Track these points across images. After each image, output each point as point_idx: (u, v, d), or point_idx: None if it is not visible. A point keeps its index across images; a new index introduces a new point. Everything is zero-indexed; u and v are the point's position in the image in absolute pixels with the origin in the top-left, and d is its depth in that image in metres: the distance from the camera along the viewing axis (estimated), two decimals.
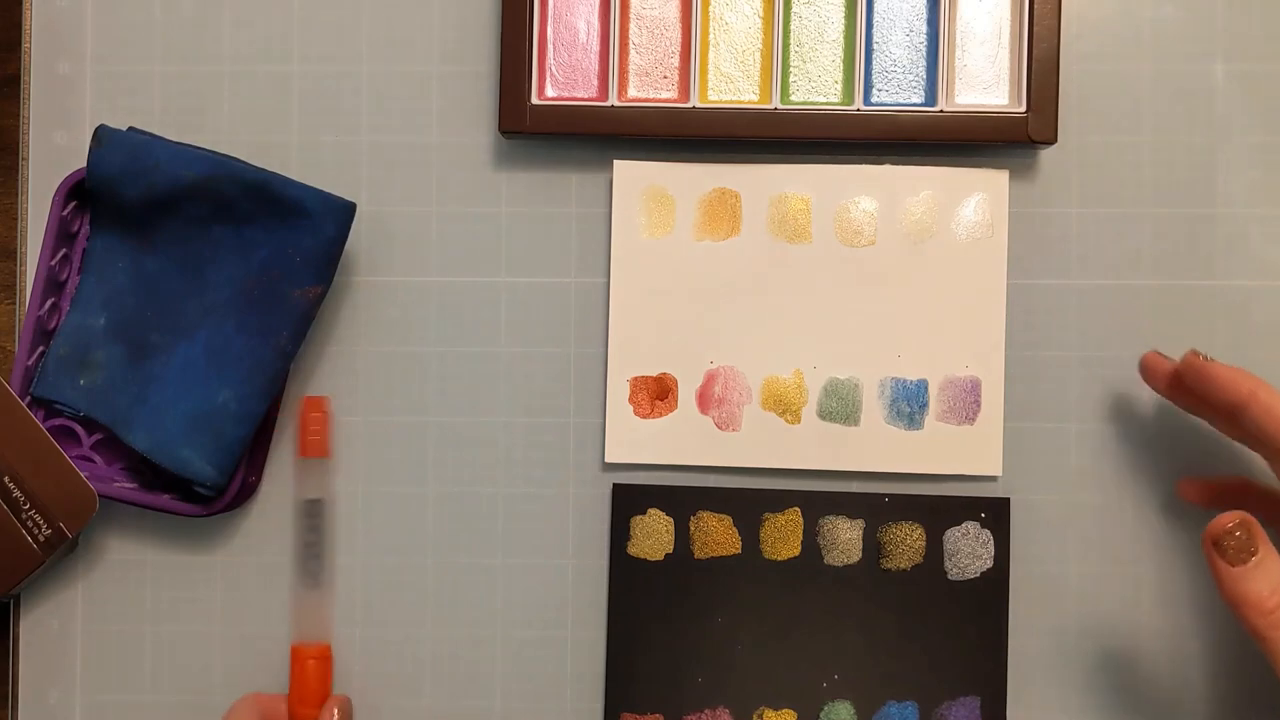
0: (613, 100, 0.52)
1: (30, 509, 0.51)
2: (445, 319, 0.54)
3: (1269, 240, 0.53)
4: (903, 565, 0.53)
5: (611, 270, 0.53)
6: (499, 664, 0.54)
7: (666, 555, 0.53)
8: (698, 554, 0.53)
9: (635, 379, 0.53)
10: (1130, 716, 0.53)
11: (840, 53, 0.52)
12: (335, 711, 0.52)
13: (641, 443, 0.53)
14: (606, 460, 0.53)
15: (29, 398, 0.53)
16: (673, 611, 0.53)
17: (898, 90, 0.52)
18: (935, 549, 0.53)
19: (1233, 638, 0.53)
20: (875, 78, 0.52)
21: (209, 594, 0.54)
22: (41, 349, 0.53)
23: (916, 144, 0.52)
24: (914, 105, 0.52)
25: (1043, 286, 0.53)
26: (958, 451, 0.52)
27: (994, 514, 0.53)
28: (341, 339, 0.54)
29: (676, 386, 0.53)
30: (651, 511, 0.53)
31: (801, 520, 0.53)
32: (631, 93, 0.53)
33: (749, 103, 0.53)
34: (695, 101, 0.52)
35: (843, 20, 0.53)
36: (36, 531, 0.51)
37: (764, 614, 0.53)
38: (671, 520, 0.53)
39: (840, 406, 0.53)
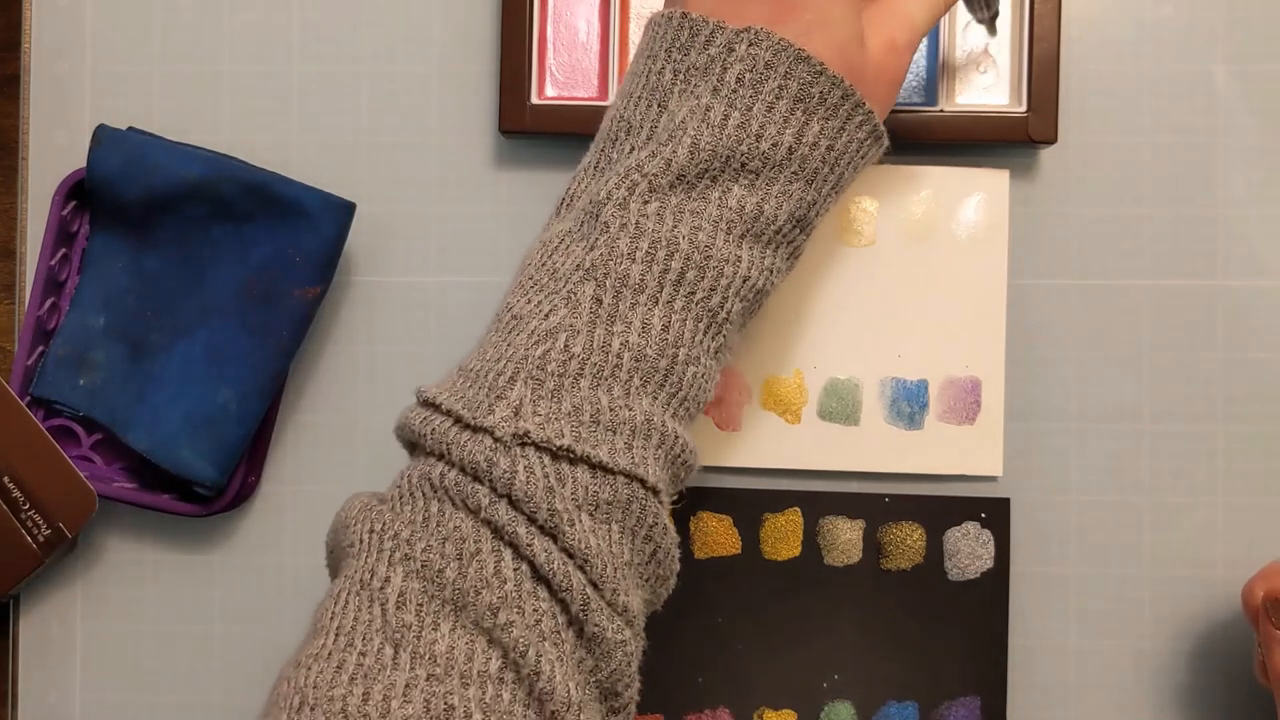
0: (613, 100, 0.52)
1: (30, 509, 0.51)
2: (445, 319, 0.54)
3: (1269, 240, 0.53)
4: (903, 565, 0.53)
5: None
6: None
7: None
8: (698, 554, 0.53)
9: None
10: (1129, 716, 0.53)
11: None
12: None
13: None
14: None
15: (29, 398, 0.53)
16: (672, 611, 0.53)
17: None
18: (935, 549, 0.53)
19: (1231, 638, 0.53)
20: None
21: (209, 594, 0.54)
22: (41, 349, 0.53)
23: (916, 144, 0.52)
24: (914, 105, 0.52)
25: (1043, 286, 0.53)
26: (958, 451, 0.52)
27: (994, 514, 0.53)
28: (341, 339, 0.54)
29: None
30: None
31: (801, 520, 0.53)
32: None
33: None
34: None
35: None
36: (36, 531, 0.51)
37: (764, 614, 0.53)
38: (671, 520, 0.53)
39: (840, 406, 0.53)
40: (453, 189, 0.54)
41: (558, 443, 0.36)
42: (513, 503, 0.36)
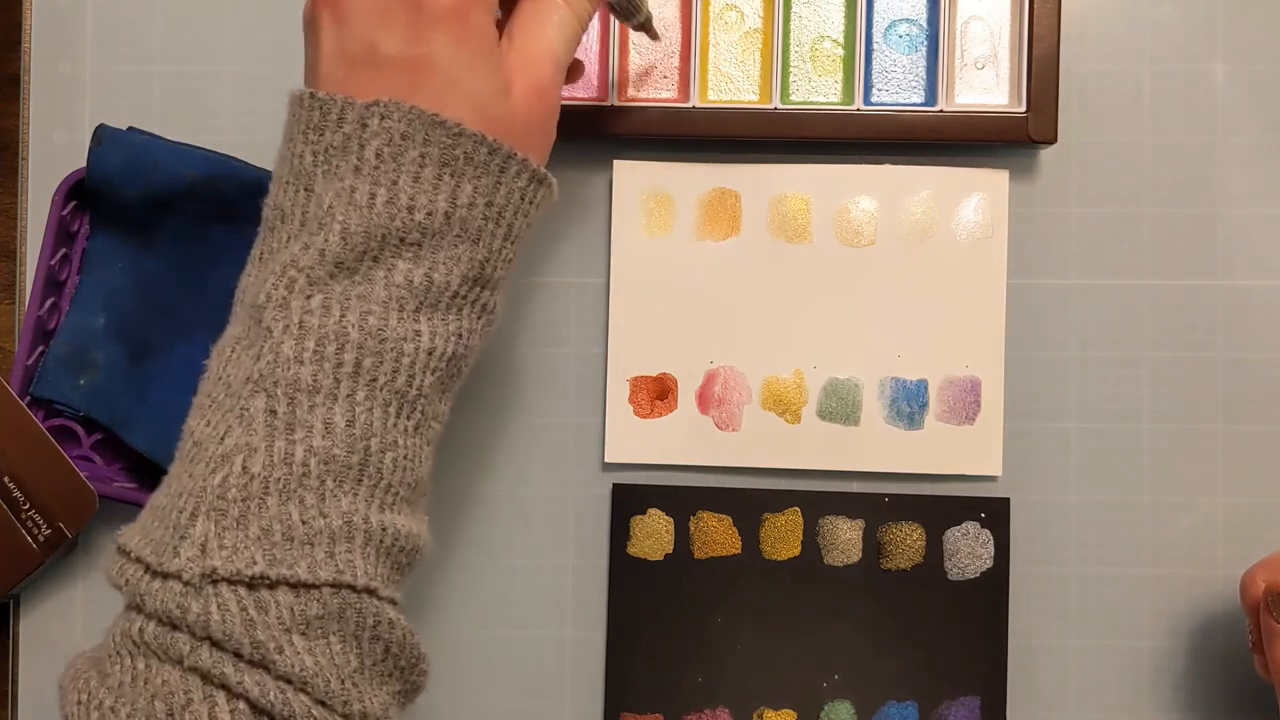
0: (613, 100, 0.52)
1: (30, 509, 0.51)
2: None
3: (1269, 240, 0.53)
4: (903, 565, 0.53)
5: (611, 270, 0.53)
6: (499, 664, 0.54)
7: (666, 555, 0.53)
8: (698, 554, 0.53)
9: (635, 379, 0.53)
10: (1129, 716, 0.53)
11: (840, 53, 0.52)
12: None
13: (641, 443, 0.53)
14: (606, 460, 0.53)
15: (29, 398, 0.53)
16: (672, 611, 0.53)
17: (898, 90, 0.52)
18: (935, 549, 0.53)
19: (1231, 636, 0.53)
20: (875, 78, 0.52)
21: None
22: (41, 349, 0.53)
23: (916, 144, 0.52)
24: (914, 105, 0.52)
25: (1043, 286, 0.53)
26: (957, 451, 0.52)
27: (994, 514, 0.53)
28: None
29: (676, 386, 0.53)
30: (651, 511, 0.53)
31: (801, 520, 0.53)
32: (631, 93, 0.53)
33: (749, 103, 0.53)
34: (695, 101, 0.52)
35: (843, 20, 0.53)
36: (36, 531, 0.51)
37: (764, 614, 0.53)
38: (671, 520, 0.53)
39: (840, 406, 0.53)
40: None
41: (249, 572, 0.35)
42: (215, 644, 0.35)
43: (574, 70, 0.48)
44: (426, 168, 0.38)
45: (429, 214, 0.38)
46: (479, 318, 0.41)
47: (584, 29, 0.43)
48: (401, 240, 0.38)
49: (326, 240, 0.38)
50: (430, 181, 0.38)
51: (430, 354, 0.39)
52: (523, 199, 0.40)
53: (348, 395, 0.37)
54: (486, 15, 0.40)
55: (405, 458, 0.39)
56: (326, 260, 0.38)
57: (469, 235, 0.39)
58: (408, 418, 0.39)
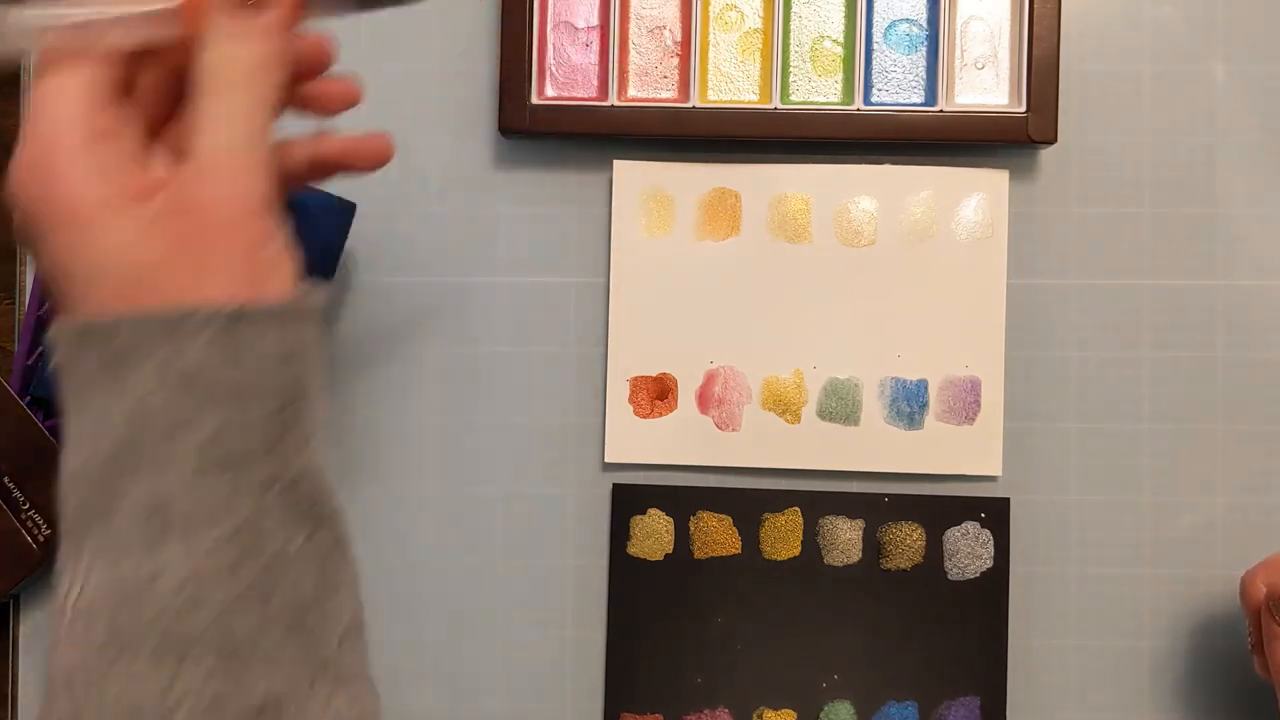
0: (613, 100, 0.52)
1: (30, 509, 0.51)
2: (445, 319, 0.54)
3: (1269, 240, 0.53)
4: (903, 565, 0.53)
5: (611, 270, 0.53)
6: (499, 664, 0.54)
7: (666, 555, 0.53)
8: (698, 554, 0.53)
9: (635, 379, 0.53)
10: (1129, 716, 0.53)
11: (840, 52, 0.52)
12: None
13: (641, 443, 0.53)
14: (606, 460, 0.53)
15: (29, 398, 0.53)
16: (672, 611, 0.53)
17: (898, 90, 0.52)
18: (935, 549, 0.53)
19: (1231, 637, 0.53)
20: (875, 78, 0.52)
21: None
22: (41, 349, 0.53)
23: (916, 144, 0.52)
24: (914, 105, 0.52)
25: (1043, 286, 0.53)
26: (957, 451, 0.52)
27: (994, 514, 0.53)
28: (341, 339, 0.54)
29: (676, 386, 0.53)
30: (651, 511, 0.53)
31: (801, 520, 0.53)
32: (631, 93, 0.53)
33: (749, 103, 0.52)
34: (695, 101, 0.52)
35: (843, 20, 0.53)
36: (36, 531, 0.51)
37: (764, 614, 0.53)
38: (671, 520, 0.53)
39: (840, 406, 0.53)
40: (453, 189, 0.54)
41: None
42: None
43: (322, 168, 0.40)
44: (93, 386, 0.31)
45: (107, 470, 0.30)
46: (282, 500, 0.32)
47: (272, 102, 0.35)
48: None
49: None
50: (97, 408, 0.31)
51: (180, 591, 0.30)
52: (218, 353, 0.31)
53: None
54: (82, 184, 0.32)
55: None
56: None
57: (146, 457, 0.31)
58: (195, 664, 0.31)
